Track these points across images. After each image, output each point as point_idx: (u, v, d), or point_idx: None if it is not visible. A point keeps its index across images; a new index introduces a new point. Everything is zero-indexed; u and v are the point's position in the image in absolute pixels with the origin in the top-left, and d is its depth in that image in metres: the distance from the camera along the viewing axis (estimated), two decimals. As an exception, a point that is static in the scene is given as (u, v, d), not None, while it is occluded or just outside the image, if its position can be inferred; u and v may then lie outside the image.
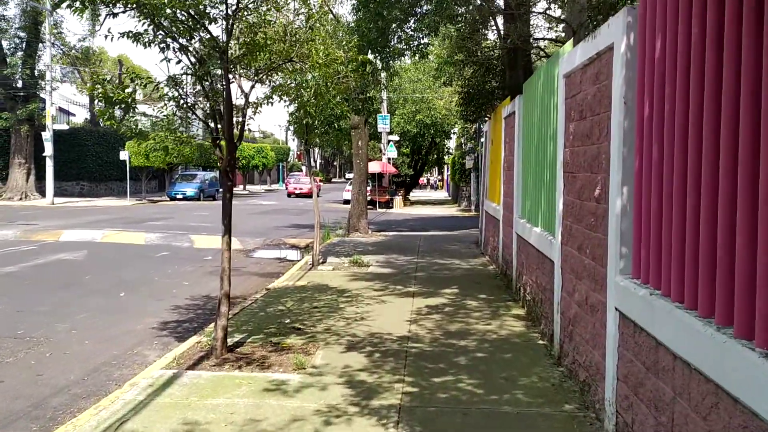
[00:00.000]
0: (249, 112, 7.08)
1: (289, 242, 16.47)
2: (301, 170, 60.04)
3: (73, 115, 48.69)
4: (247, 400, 4.75)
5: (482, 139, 16.78)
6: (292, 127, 11.73)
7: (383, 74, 19.70)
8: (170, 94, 5.81)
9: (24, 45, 33.30)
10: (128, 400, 4.71)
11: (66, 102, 42.34)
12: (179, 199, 36.21)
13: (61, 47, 33.89)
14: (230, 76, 6.21)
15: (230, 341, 6.41)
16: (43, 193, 32.73)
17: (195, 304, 8.87)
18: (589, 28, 7.76)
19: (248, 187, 55.97)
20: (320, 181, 67.82)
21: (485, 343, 6.42)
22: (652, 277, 3.49)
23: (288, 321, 7.35)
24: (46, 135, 31.31)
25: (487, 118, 15.35)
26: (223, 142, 6.02)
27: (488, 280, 10.18)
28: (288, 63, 6.52)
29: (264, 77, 6.59)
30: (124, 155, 32.48)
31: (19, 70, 32.14)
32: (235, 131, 6.30)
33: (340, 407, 4.62)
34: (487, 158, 13.67)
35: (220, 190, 46.00)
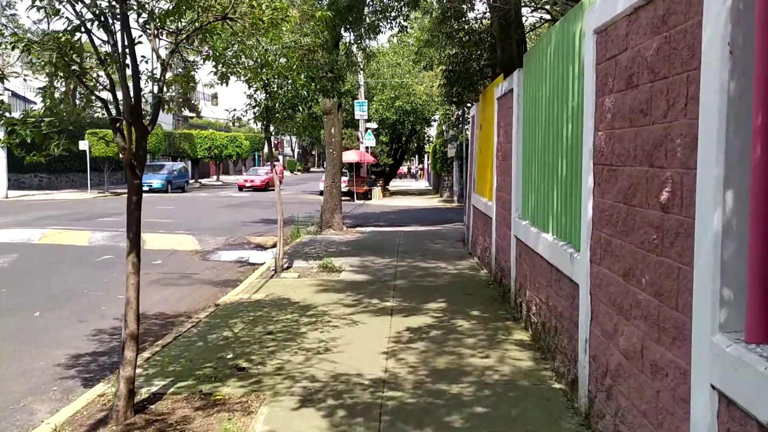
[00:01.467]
0: (175, 87, 5.50)
1: (254, 241, 14.80)
2: (278, 160, 57.99)
3: (33, 102, 46.08)
4: None
5: (468, 125, 15.22)
6: (248, 113, 10.00)
7: (360, 56, 18.02)
8: (49, 59, 4.14)
9: (-26, 27, 30.97)
10: None
11: (24, 88, 39.78)
12: (145, 192, 33.88)
13: (15, 29, 31.54)
14: (136, 34, 4.57)
15: (146, 392, 4.82)
16: (-3, 187, 30.59)
17: (124, 327, 7.21)
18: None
19: (222, 177, 53.77)
20: (297, 170, 65.68)
21: (485, 388, 4.88)
22: (809, 353, 1.96)
23: (231, 356, 5.74)
24: (-2, 124, 29.08)
25: (470, 104, 13.81)
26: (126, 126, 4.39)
27: (480, 290, 8.65)
28: (222, 21, 4.91)
29: (189, 39, 4.96)
30: (83, 144, 30.38)
31: (-31, 54, 29.89)
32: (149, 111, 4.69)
33: None
34: (474, 146, 12.11)
35: (190, 181, 43.97)
